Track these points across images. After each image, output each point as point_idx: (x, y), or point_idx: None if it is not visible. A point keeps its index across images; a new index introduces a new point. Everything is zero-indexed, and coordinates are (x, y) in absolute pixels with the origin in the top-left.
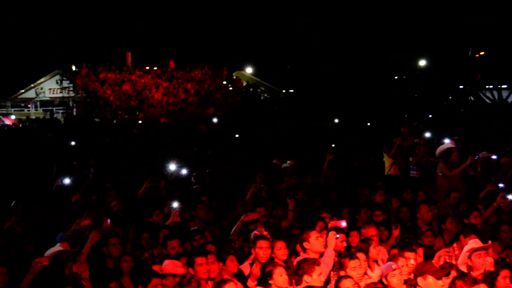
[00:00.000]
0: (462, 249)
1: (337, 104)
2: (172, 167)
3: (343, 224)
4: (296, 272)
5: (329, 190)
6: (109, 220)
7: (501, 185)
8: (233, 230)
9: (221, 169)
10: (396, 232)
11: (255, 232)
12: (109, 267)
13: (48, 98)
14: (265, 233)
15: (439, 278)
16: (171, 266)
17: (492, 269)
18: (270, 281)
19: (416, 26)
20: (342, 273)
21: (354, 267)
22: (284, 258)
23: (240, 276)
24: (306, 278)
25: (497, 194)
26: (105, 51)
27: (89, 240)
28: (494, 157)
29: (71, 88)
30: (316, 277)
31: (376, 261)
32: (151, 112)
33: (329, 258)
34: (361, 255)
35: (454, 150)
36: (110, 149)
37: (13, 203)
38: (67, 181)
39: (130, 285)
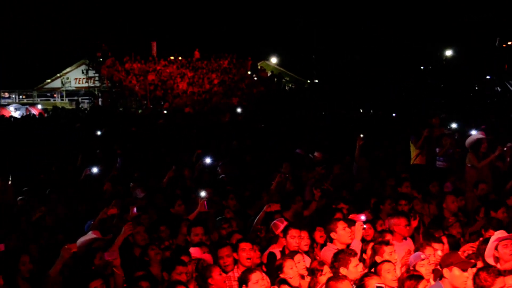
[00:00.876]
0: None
1: (363, 95)
2: (207, 160)
3: (362, 218)
4: (332, 265)
5: (354, 181)
6: (135, 209)
7: None
8: (256, 220)
9: (246, 159)
10: (414, 223)
11: (275, 221)
12: (136, 255)
13: (74, 88)
14: (285, 223)
15: (465, 270)
16: (197, 252)
17: None
18: (281, 275)
19: (443, 17)
20: (378, 258)
21: (390, 252)
22: (307, 248)
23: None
24: (342, 270)
25: None
26: (131, 41)
27: (123, 232)
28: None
29: (97, 78)
30: (352, 269)
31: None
32: (176, 102)
33: (357, 249)
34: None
35: (483, 141)
36: (136, 139)
37: (47, 191)
38: (95, 170)
39: (159, 273)
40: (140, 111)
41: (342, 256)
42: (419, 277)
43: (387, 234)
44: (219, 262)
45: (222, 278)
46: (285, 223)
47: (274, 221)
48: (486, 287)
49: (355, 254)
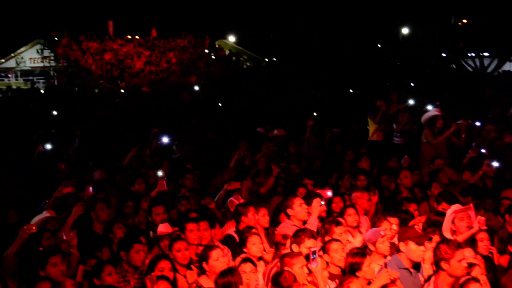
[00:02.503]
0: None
1: (321, 72)
2: (164, 139)
3: (329, 193)
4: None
5: (313, 157)
6: (91, 188)
7: (483, 150)
8: (216, 198)
9: (205, 138)
10: (374, 199)
11: (232, 199)
12: (97, 232)
13: (28, 68)
14: (242, 200)
15: (420, 244)
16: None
17: (484, 227)
18: (244, 249)
19: None
20: (327, 238)
21: (340, 233)
22: (267, 225)
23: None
24: (294, 247)
25: (479, 160)
26: (86, 20)
27: (72, 213)
28: (477, 123)
29: (52, 58)
30: (304, 249)
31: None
32: (133, 81)
33: (313, 225)
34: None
35: (439, 118)
36: (94, 119)
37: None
38: (48, 146)
39: None
40: (96, 90)
41: (299, 234)
42: (363, 254)
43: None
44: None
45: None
46: (242, 200)
47: (231, 198)
48: (446, 259)
49: (313, 236)
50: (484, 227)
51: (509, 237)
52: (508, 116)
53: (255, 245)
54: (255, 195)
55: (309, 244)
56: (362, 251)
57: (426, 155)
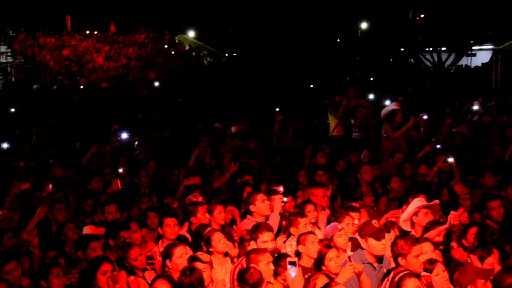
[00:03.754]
0: None
1: (280, 68)
2: (124, 135)
3: (281, 189)
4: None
5: (274, 152)
6: (50, 186)
7: (438, 146)
8: (176, 193)
9: (164, 134)
10: (328, 193)
11: (190, 197)
12: (54, 233)
13: None
14: (200, 198)
15: (379, 239)
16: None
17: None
18: (210, 249)
19: None
20: (292, 229)
21: (305, 224)
22: (222, 222)
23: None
24: (252, 243)
25: (434, 155)
26: (44, 15)
27: (37, 213)
28: (425, 117)
29: (9, 54)
30: (261, 243)
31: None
32: (92, 77)
33: (275, 222)
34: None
35: (398, 112)
36: (52, 115)
37: None
38: (5, 145)
39: (74, 252)
40: (55, 87)
41: (255, 229)
42: (328, 247)
43: (308, 205)
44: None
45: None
46: (200, 198)
47: (189, 196)
48: (403, 255)
49: (269, 229)
50: (456, 222)
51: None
52: (465, 110)
53: (220, 242)
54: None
55: (266, 238)
56: (329, 243)
57: (386, 149)
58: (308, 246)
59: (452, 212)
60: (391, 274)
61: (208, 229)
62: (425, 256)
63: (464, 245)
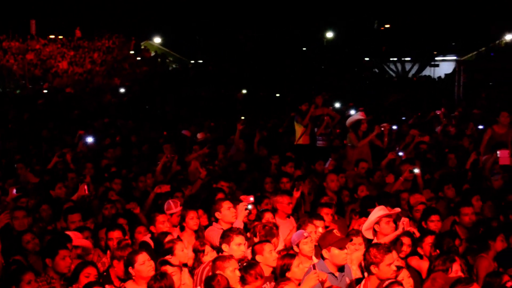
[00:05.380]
0: None
1: (246, 75)
2: (89, 139)
3: (251, 199)
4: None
5: (239, 161)
6: (15, 190)
7: (400, 153)
8: (147, 201)
9: (131, 140)
10: (296, 194)
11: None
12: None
13: None
14: (172, 205)
15: (342, 248)
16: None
17: (408, 228)
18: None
19: None
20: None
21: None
22: (196, 228)
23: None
24: (224, 247)
25: (399, 163)
26: (8, 19)
27: None
28: (394, 127)
29: None
30: (234, 246)
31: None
32: (56, 82)
33: None
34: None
35: (363, 122)
36: (16, 120)
37: None
38: None
39: (37, 261)
40: (18, 91)
41: (227, 234)
42: (291, 256)
43: (266, 213)
44: (107, 244)
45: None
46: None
47: (169, 201)
48: (376, 263)
49: (240, 232)
50: (408, 228)
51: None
52: (427, 120)
53: (183, 252)
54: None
55: (239, 241)
56: (291, 253)
57: (350, 158)
58: (266, 255)
59: (403, 218)
60: (363, 282)
61: (169, 237)
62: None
63: (420, 253)
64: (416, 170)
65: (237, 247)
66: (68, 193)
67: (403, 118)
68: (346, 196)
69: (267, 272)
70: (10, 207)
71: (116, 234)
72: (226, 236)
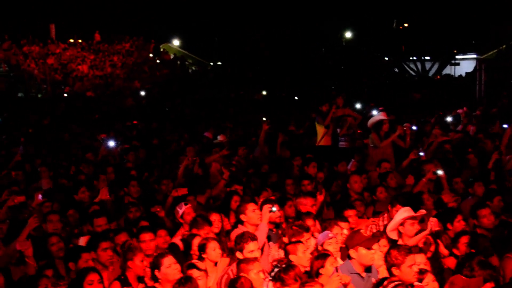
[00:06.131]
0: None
1: (265, 76)
2: (111, 143)
3: (274, 209)
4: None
5: (261, 162)
6: (40, 195)
7: (421, 153)
8: (165, 205)
9: (152, 143)
10: (320, 198)
11: (177, 208)
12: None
13: None
14: (183, 207)
15: (369, 248)
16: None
17: (436, 228)
18: (203, 255)
19: None
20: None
21: (307, 239)
22: (217, 231)
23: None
24: (238, 254)
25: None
26: (28, 23)
27: (28, 224)
28: (414, 127)
29: None
30: (247, 253)
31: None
32: (77, 86)
33: (263, 231)
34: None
35: (385, 122)
36: (38, 125)
37: None
38: None
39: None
40: (39, 95)
41: (239, 241)
42: (325, 255)
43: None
44: (140, 247)
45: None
46: (184, 207)
47: (176, 207)
48: (396, 265)
49: (253, 238)
50: (437, 228)
51: (452, 241)
52: (449, 120)
53: (215, 251)
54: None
55: (252, 247)
56: (325, 253)
57: (373, 159)
58: (300, 255)
59: (431, 218)
60: (385, 283)
61: (204, 236)
62: (418, 267)
63: (455, 254)
64: (440, 172)
65: (250, 254)
66: (92, 196)
67: (424, 118)
68: (367, 197)
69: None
70: (36, 212)
71: (148, 237)
72: (238, 243)
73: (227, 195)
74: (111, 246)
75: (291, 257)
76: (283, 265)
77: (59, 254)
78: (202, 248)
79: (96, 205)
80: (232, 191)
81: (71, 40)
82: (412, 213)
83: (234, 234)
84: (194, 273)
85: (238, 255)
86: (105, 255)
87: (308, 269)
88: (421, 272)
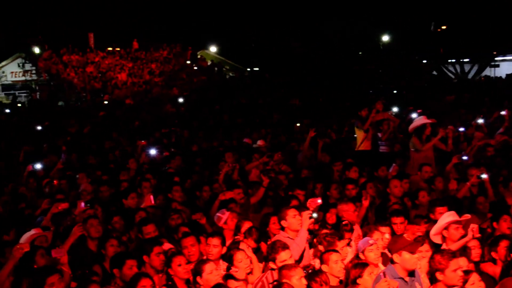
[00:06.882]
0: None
1: (303, 82)
2: (152, 151)
3: (319, 201)
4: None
5: (302, 167)
6: (83, 203)
7: (464, 157)
8: (212, 209)
9: (192, 150)
10: (366, 203)
11: (218, 214)
12: (91, 249)
13: (10, 82)
14: (228, 214)
15: (413, 252)
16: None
17: (477, 235)
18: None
19: (380, 1)
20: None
21: (342, 247)
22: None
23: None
24: (271, 265)
25: (464, 167)
26: (67, 32)
27: (72, 233)
28: (461, 129)
29: (34, 71)
30: (279, 263)
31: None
32: (116, 93)
33: (302, 238)
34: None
35: (428, 126)
36: (79, 133)
37: None
38: (38, 166)
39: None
40: (79, 103)
41: (270, 251)
42: (364, 265)
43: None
44: (183, 252)
45: (183, 268)
46: (227, 214)
47: (217, 214)
48: (441, 269)
49: (284, 247)
50: (478, 235)
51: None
52: (490, 122)
53: (242, 262)
54: (245, 206)
55: (284, 257)
56: (363, 262)
57: (414, 163)
58: (332, 265)
59: (472, 225)
60: None
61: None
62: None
63: (495, 258)
64: (484, 176)
65: (283, 264)
66: (139, 203)
67: (463, 121)
68: (407, 201)
69: (333, 282)
70: (79, 220)
71: (190, 241)
72: (270, 253)
73: (286, 198)
74: (164, 251)
75: (323, 266)
76: (309, 271)
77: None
78: (230, 259)
79: (143, 212)
80: (291, 195)
81: (110, 49)
82: (456, 217)
83: (271, 241)
84: (232, 284)
85: (271, 265)
86: (158, 260)
87: (341, 278)
88: (466, 272)
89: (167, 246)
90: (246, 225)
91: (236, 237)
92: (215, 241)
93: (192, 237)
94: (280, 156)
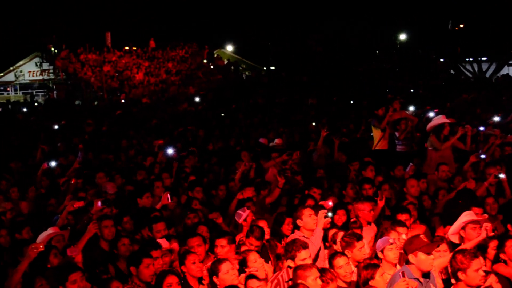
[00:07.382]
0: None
1: (319, 80)
2: (169, 150)
3: (330, 203)
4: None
5: (317, 166)
6: (99, 202)
7: (482, 156)
8: (229, 207)
9: (208, 149)
10: (381, 203)
11: (239, 212)
12: (104, 248)
13: (27, 81)
14: (247, 211)
15: (429, 253)
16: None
17: (491, 234)
18: (244, 268)
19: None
20: (347, 251)
21: (360, 248)
22: (267, 237)
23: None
24: (289, 263)
25: (483, 167)
26: (84, 32)
27: (88, 230)
28: (481, 128)
29: (51, 70)
30: (298, 262)
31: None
32: (132, 92)
33: (318, 237)
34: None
35: (446, 125)
36: (97, 131)
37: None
38: (53, 164)
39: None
40: (96, 102)
41: (289, 249)
42: (375, 266)
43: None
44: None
45: (196, 267)
46: (247, 211)
47: (237, 211)
48: (462, 269)
49: (305, 246)
50: (491, 234)
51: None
52: (508, 121)
53: (256, 262)
54: (260, 205)
55: (304, 256)
56: (374, 263)
57: (432, 162)
58: (338, 270)
59: (485, 224)
60: None
61: (243, 248)
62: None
63: (504, 259)
64: (502, 175)
65: (302, 262)
66: (154, 202)
67: (480, 119)
68: (429, 200)
69: (343, 285)
70: (95, 218)
71: (196, 241)
72: (288, 251)
73: (302, 198)
74: (153, 262)
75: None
76: None
77: (125, 254)
78: (243, 262)
79: (157, 211)
80: (307, 195)
81: (127, 48)
82: (474, 217)
83: (287, 240)
84: (253, 283)
85: (290, 263)
86: (147, 272)
87: (349, 279)
88: (486, 273)
89: (175, 246)
90: (261, 224)
91: (237, 237)
92: (223, 242)
93: (198, 237)
94: (299, 155)
